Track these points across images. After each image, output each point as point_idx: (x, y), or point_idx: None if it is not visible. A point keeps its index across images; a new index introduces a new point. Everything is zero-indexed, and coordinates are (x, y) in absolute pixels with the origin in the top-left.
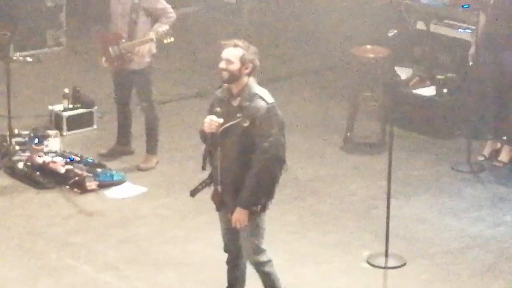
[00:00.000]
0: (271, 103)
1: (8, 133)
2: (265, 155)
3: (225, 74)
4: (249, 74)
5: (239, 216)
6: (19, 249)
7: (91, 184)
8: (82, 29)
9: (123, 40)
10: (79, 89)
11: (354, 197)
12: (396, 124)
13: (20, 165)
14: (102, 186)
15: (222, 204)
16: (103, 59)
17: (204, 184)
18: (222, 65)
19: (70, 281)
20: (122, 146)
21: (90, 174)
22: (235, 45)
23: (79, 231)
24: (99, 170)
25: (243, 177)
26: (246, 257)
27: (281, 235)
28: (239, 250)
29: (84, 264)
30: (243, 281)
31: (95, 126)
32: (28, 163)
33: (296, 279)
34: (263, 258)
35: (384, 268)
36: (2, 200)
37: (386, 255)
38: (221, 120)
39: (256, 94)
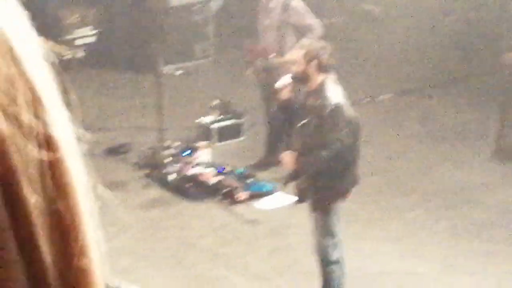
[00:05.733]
0: (337, 102)
1: (159, 145)
2: (327, 151)
3: (294, 76)
4: (318, 71)
5: (287, 156)
6: (172, 260)
7: (242, 195)
8: (229, 41)
9: (271, 55)
10: (228, 101)
11: (507, 206)
12: None
13: (172, 176)
14: (253, 196)
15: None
16: (250, 71)
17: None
18: (291, 68)
19: None
20: (271, 157)
21: (241, 185)
22: (300, 46)
23: (231, 241)
24: (249, 180)
25: (306, 170)
26: (316, 252)
27: (433, 244)
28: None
29: (236, 274)
30: None
31: (244, 137)
32: (179, 175)
33: None
34: (331, 255)
35: None
36: (154, 211)
37: None
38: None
39: (326, 92)
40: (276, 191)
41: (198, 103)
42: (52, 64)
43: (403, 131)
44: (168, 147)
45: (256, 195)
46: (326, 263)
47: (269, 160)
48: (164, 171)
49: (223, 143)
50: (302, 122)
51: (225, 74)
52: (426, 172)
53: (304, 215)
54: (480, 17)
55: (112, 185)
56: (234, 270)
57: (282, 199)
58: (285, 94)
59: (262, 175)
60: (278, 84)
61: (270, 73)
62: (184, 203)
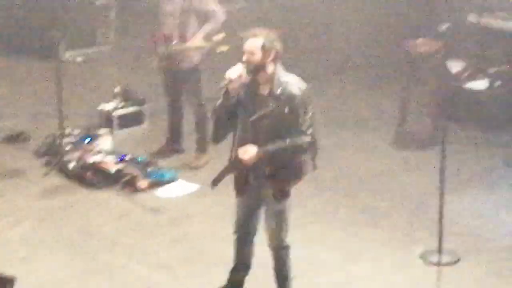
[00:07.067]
0: (305, 87)
1: (59, 133)
2: (304, 137)
3: (250, 67)
4: (273, 61)
5: (251, 151)
6: (71, 248)
7: (143, 183)
8: (131, 28)
9: (174, 42)
10: (129, 88)
11: (406, 193)
12: (448, 118)
13: (71, 164)
14: (154, 185)
15: (247, 187)
16: (152, 58)
17: (226, 171)
18: (245, 58)
19: (123, 281)
20: (173, 144)
21: (141, 173)
22: (254, 35)
23: (131, 230)
24: (150, 168)
25: (272, 159)
26: (270, 239)
27: (333, 231)
28: (251, 233)
29: (136, 263)
30: (250, 262)
31: (145, 125)
32: (79, 163)
33: (349, 277)
34: (285, 242)
35: (438, 264)
36: (54, 200)
37: (440, 251)
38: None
39: (287, 81)
40: (177, 179)
41: (99, 90)
42: None
43: None
44: (68, 135)
45: (157, 183)
46: (281, 249)
47: (171, 148)
48: (64, 159)
49: (124, 130)
50: (261, 113)
51: (127, 61)
52: (327, 159)
53: (204, 205)
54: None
55: (11, 174)
56: (135, 259)
57: (183, 187)
58: (234, 85)
59: (164, 163)
60: (230, 74)
61: (173, 60)
62: (84, 191)
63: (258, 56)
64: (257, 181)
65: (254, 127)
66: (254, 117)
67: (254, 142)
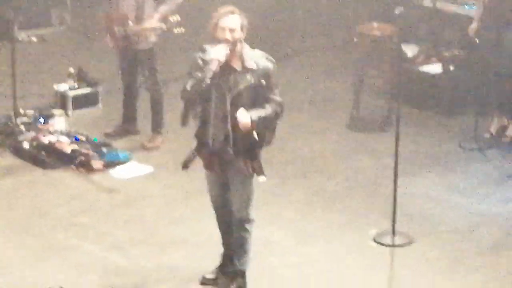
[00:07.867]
0: (272, 59)
1: (13, 113)
2: (280, 107)
3: (232, 43)
4: (243, 38)
5: (247, 114)
6: (24, 229)
7: (97, 164)
8: (87, 8)
9: (130, 23)
10: (84, 68)
11: (360, 175)
12: (403, 102)
13: (26, 145)
14: (108, 165)
15: (218, 165)
16: (108, 38)
17: (195, 153)
18: (228, 35)
19: (77, 262)
20: (127, 125)
21: (96, 154)
22: (233, 12)
23: (86, 211)
24: (104, 149)
25: (243, 132)
26: (236, 212)
27: (287, 213)
28: (231, 211)
29: (91, 244)
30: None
31: (100, 106)
32: (34, 143)
33: (302, 258)
34: (251, 215)
35: (391, 246)
36: (7, 180)
37: (393, 233)
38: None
39: (258, 54)
40: (131, 160)
41: (54, 70)
42: None
43: None
44: (22, 115)
45: (112, 164)
46: (248, 221)
47: (126, 129)
48: (18, 138)
49: (79, 111)
50: (241, 88)
51: (82, 42)
52: (282, 141)
53: (158, 186)
54: None
55: None
56: (89, 240)
57: (137, 168)
58: (217, 65)
59: (118, 144)
60: (218, 56)
61: (129, 41)
62: (39, 171)
63: (238, 32)
64: (236, 155)
65: (232, 103)
66: (235, 92)
67: (231, 118)
